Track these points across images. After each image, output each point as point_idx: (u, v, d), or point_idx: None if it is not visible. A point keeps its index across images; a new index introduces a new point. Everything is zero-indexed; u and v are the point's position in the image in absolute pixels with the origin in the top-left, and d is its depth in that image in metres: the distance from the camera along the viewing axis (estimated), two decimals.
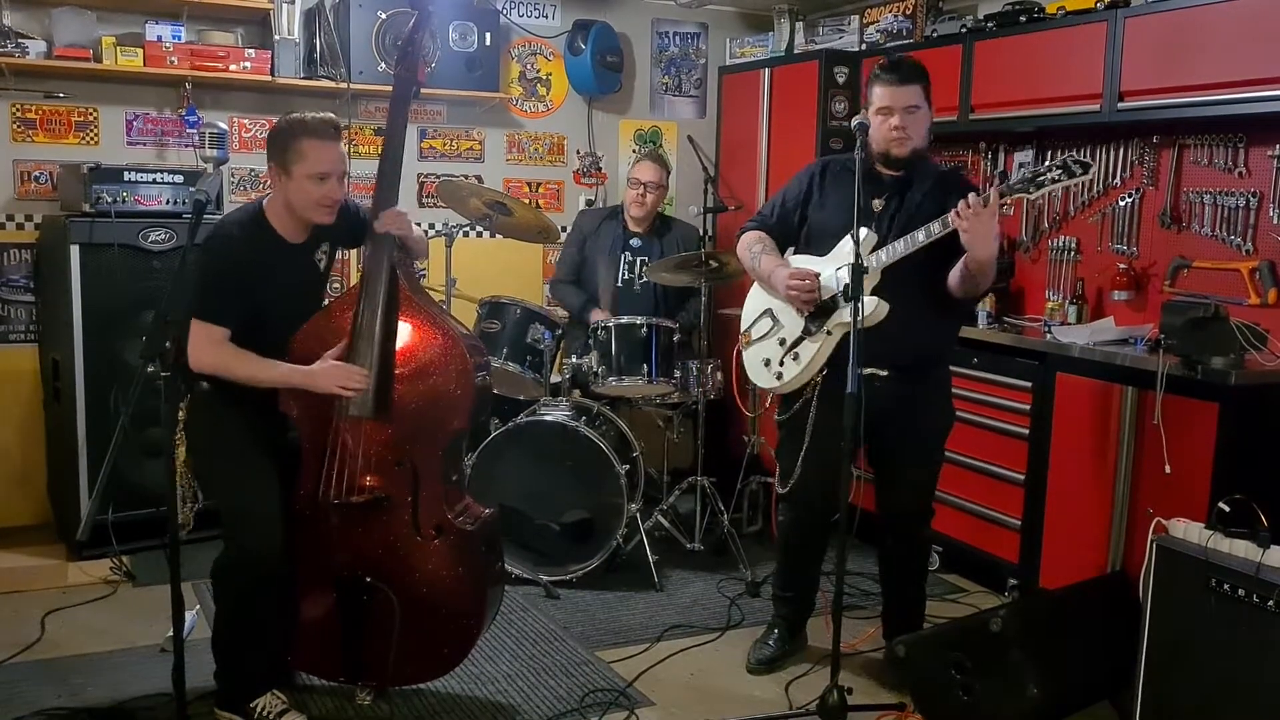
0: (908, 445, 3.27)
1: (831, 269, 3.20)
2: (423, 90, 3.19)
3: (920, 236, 3.00)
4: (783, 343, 3.31)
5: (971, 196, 2.90)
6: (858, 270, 2.89)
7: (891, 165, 3.18)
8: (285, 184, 2.81)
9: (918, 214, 3.10)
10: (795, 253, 3.39)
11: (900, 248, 3.02)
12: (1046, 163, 2.96)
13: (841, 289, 3.15)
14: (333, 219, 2.89)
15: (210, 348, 2.77)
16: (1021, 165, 4.41)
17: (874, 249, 3.09)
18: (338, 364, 2.86)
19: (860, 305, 2.85)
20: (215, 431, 2.87)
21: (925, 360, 3.22)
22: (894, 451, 3.27)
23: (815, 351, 3.21)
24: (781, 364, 3.31)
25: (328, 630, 3.00)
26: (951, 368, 3.98)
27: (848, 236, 3.15)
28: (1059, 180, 2.90)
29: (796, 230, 3.39)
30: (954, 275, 3.05)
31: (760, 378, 3.40)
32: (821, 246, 3.29)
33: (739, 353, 3.50)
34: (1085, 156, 4.12)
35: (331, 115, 2.89)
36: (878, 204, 3.17)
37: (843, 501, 2.92)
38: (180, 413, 2.84)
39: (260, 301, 2.83)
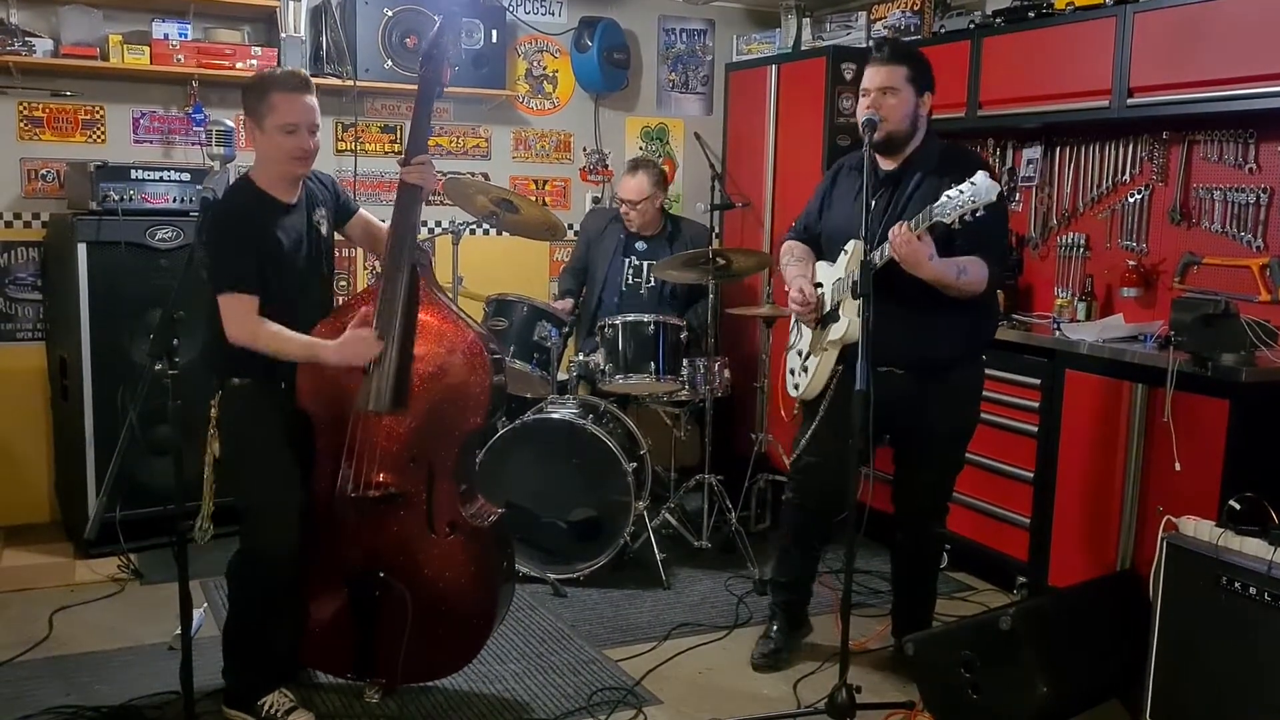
0: (922, 444, 3.26)
1: (831, 281, 3.22)
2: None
3: (875, 259, 3.00)
4: (800, 354, 3.39)
5: (893, 229, 2.92)
6: (866, 269, 2.89)
7: (886, 155, 3.13)
8: (260, 139, 2.86)
9: (907, 210, 3.06)
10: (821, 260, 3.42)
11: (877, 259, 3.00)
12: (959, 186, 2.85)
13: (832, 305, 3.19)
14: (307, 169, 2.93)
15: (246, 319, 2.77)
16: (1030, 162, 4.39)
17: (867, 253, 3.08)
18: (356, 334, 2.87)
19: (868, 305, 2.85)
20: (246, 428, 2.89)
21: (939, 360, 3.16)
22: (909, 449, 3.29)
23: (818, 365, 3.27)
24: (798, 374, 3.39)
25: (339, 627, 3.01)
26: None
27: (843, 249, 3.19)
28: (965, 205, 2.79)
29: (819, 238, 3.41)
30: None
31: (788, 384, 3.48)
32: (830, 254, 3.31)
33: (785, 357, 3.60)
34: (1094, 152, 4.15)
35: (301, 70, 2.97)
36: (873, 203, 3.13)
37: (850, 500, 2.92)
38: (213, 410, 2.87)
39: (271, 265, 2.83)
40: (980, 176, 2.80)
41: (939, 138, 3.26)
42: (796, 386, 3.39)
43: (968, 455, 3.99)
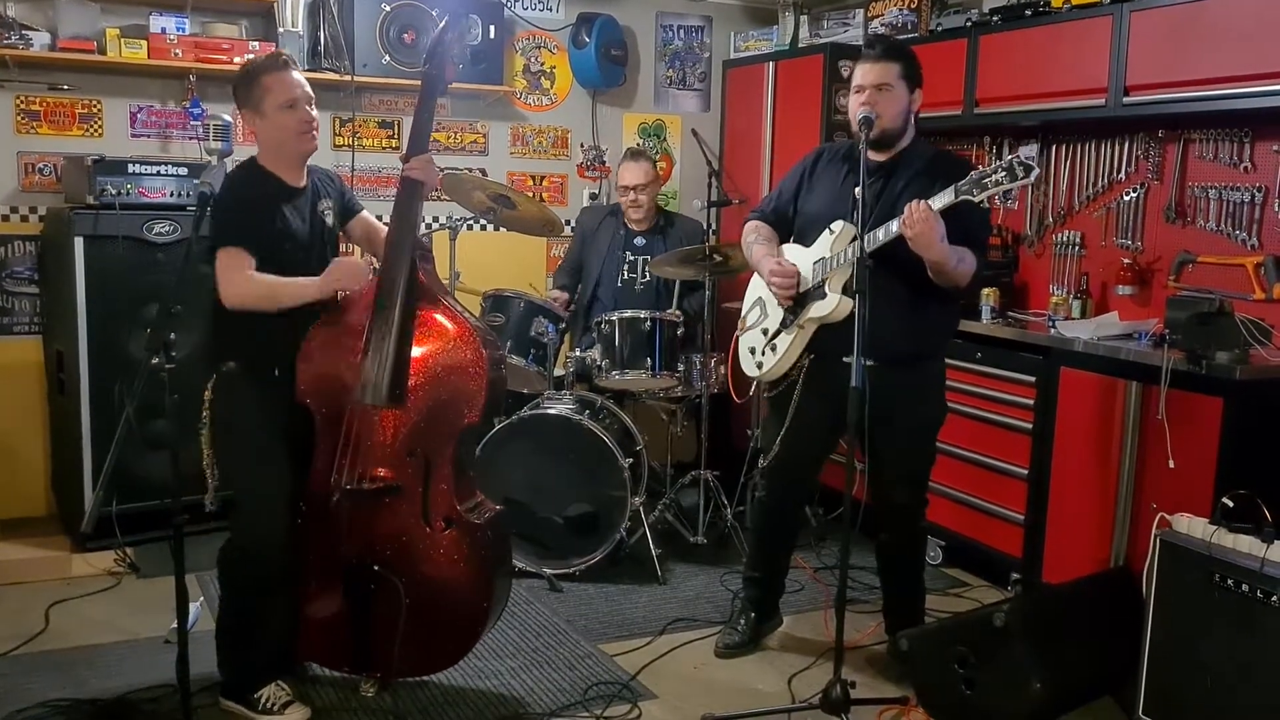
0: (897, 437, 3.23)
1: (810, 261, 3.21)
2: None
3: (880, 235, 3.00)
4: (765, 332, 3.37)
5: (911, 204, 2.91)
6: (861, 263, 2.89)
7: (877, 150, 3.14)
8: (263, 126, 2.89)
9: (899, 203, 3.05)
10: (791, 243, 3.40)
11: (866, 243, 2.99)
12: (992, 164, 2.89)
13: (815, 283, 3.17)
14: (315, 143, 2.95)
15: (241, 276, 2.80)
16: (1027, 159, 4.39)
17: (852, 240, 3.08)
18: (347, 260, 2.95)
19: (863, 302, 2.85)
20: (237, 414, 2.90)
21: (912, 352, 3.17)
22: (884, 443, 3.24)
23: (789, 344, 3.26)
24: (762, 353, 3.37)
25: (335, 620, 3.01)
26: (955, 362, 4.00)
27: (828, 229, 3.18)
28: (1002, 183, 2.85)
29: (792, 221, 3.39)
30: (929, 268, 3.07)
31: (747, 365, 3.46)
32: (808, 237, 3.29)
33: (736, 338, 3.56)
34: (1090, 150, 4.16)
35: (280, 50, 3.13)
36: (858, 192, 3.11)
37: (846, 496, 2.92)
38: (206, 394, 2.89)
39: (273, 244, 2.85)
40: (1015, 158, 2.85)
41: (929, 141, 3.29)
42: (760, 365, 3.36)
43: (962, 452, 4.03)
